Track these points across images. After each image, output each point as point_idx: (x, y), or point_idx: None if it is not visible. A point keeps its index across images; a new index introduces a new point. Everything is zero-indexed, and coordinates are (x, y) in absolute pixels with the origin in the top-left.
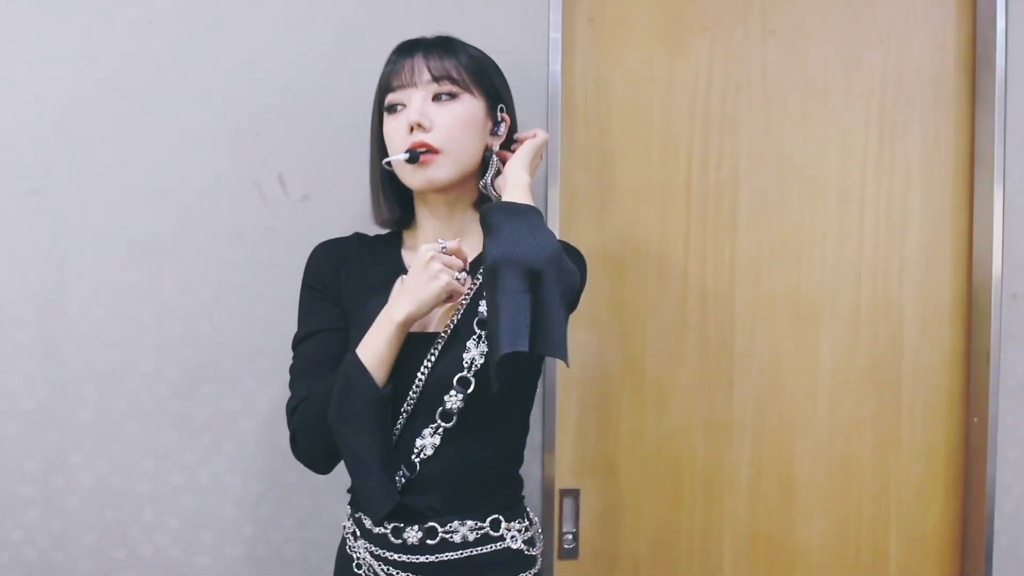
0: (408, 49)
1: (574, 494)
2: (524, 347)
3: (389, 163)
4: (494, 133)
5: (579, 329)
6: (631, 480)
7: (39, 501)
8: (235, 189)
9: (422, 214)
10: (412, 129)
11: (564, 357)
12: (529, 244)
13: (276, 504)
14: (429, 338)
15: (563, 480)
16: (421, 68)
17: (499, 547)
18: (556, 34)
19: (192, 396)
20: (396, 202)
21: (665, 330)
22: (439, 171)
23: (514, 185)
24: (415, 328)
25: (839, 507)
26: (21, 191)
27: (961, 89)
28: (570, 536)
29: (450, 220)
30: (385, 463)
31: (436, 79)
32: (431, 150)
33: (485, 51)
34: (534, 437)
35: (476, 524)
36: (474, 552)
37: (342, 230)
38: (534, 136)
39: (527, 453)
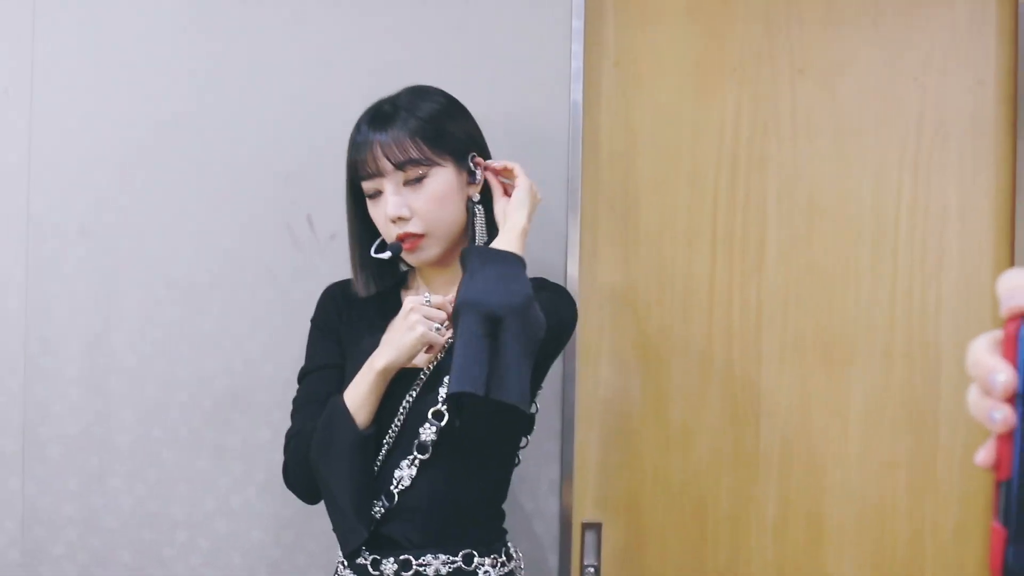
0: (364, 135)
1: (596, 528)
2: (471, 389)
3: (378, 255)
4: (471, 182)
5: (603, 365)
6: (654, 516)
7: (80, 520)
8: (267, 230)
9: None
10: (394, 220)
11: (520, 402)
12: (497, 291)
13: (301, 529)
14: (413, 374)
15: (584, 514)
16: (380, 158)
17: None
18: (578, 64)
19: (225, 426)
20: (380, 275)
21: (689, 368)
22: (428, 252)
23: (510, 229)
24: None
25: (871, 550)
26: (72, 231)
27: (1001, 125)
28: (592, 570)
29: (445, 269)
30: (357, 502)
31: (399, 167)
32: (415, 237)
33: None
34: (552, 470)
35: (449, 558)
36: None
37: None
38: (503, 169)
39: (544, 486)
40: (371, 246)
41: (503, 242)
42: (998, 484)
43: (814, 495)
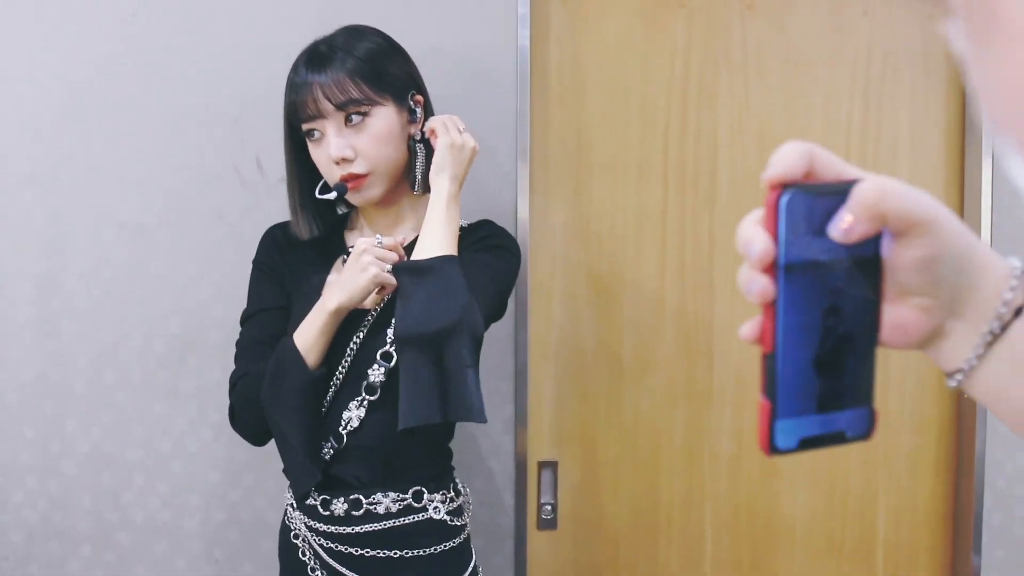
0: (303, 77)
1: (552, 466)
2: (421, 422)
3: (323, 196)
4: (412, 121)
5: (555, 304)
6: (609, 452)
7: (38, 466)
8: (216, 172)
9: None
10: (337, 162)
11: (477, 418)
12: (433, 314)
13: (259, 471)
14: (360, 315)
15: (540, 452)
16: (321, 99)
17: (421, 518)
18: (524, 10)
19: (179, 368)
20: (319, 218)
21: (642, 304)
22: (372, 191)
23: (434, 204)
24: None
25: (825, 481)
26: (19, 177)
27: (951, 59)
28: (548, 507)
29: (388, 209)
30: (309, 444)
31: (340, 107)
32: (359, 178)
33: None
34: (505, 410)
35: (399, 496)
36: (396, 523)
37: None
38: (432, 133)
39: (499, 426)
40: (312, 189)
41: (431, 235)
42: (764, 357)
43: None
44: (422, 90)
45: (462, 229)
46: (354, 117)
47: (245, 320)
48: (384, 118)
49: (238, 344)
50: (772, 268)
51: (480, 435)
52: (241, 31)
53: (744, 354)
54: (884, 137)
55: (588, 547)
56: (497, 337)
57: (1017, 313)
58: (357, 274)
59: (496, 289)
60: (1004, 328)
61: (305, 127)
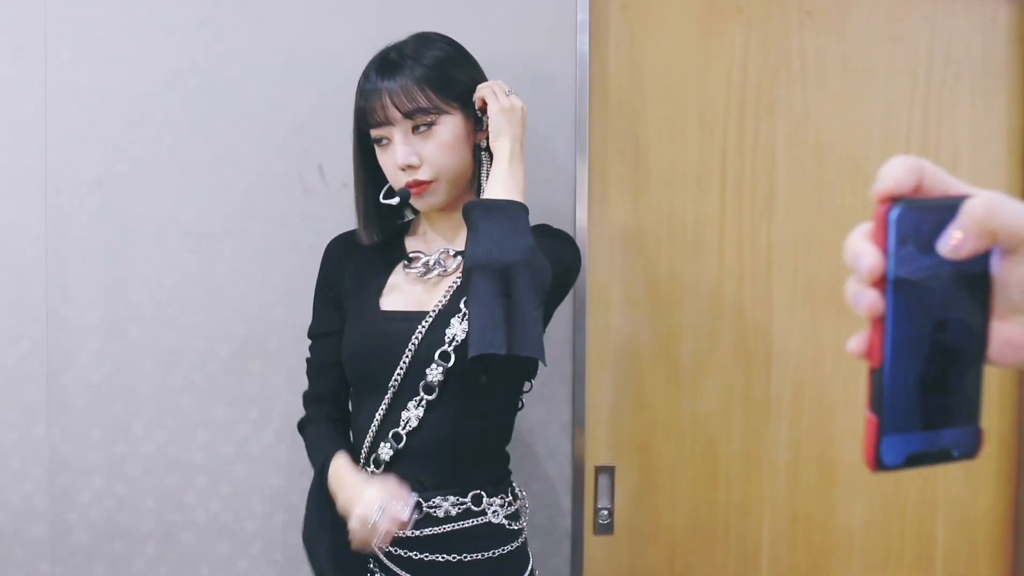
0: (373, 83)
1: (609, 471)
2: (493, 350)
3: (387, 200)
4: (479, 129)
5: (614, 309)
6: (667, 458)
7: (104, 467)
8: (279, 179)
9: (426, 213)
10: (403, 168)
11: (540, 356)
12: (502, 246)
13: None
14: (418, 316)
15: (598, 457)
16: (389, 106)
17: (480, 522)
18: (584, 16)
19: (242, 373)
20: (384, 222)
21: (700, 311)
22: (436, 198)
23: (497, 165)
24: (408, 307)
25: (883, 490)
26: (88, 185)
27: (1014, 63)
28: (605, 512)
29: (451, 215)
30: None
31: (408, 115)
32: (423, 184)
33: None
34: (563, 414)
35: (458, 499)
36: (456, 527)
37: None
38: (482, 103)
39: (557, 429)
40: (377, 194)
41: (497, 185)
42: (871, 372)
43: (825, 437)
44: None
45: None
46: (421, 126)
47: (312, 338)
48: (450, 126)
49: (308, 362)
50: (881, 282)
51: (537, 439)
52: (304, 39)
53: (802, 363)
54: (944, 145)
55: (645, 553)
56: (555, 341)
57: None
58: (361, 523)
59: (554, 262)
60: None
61: (373, 133)
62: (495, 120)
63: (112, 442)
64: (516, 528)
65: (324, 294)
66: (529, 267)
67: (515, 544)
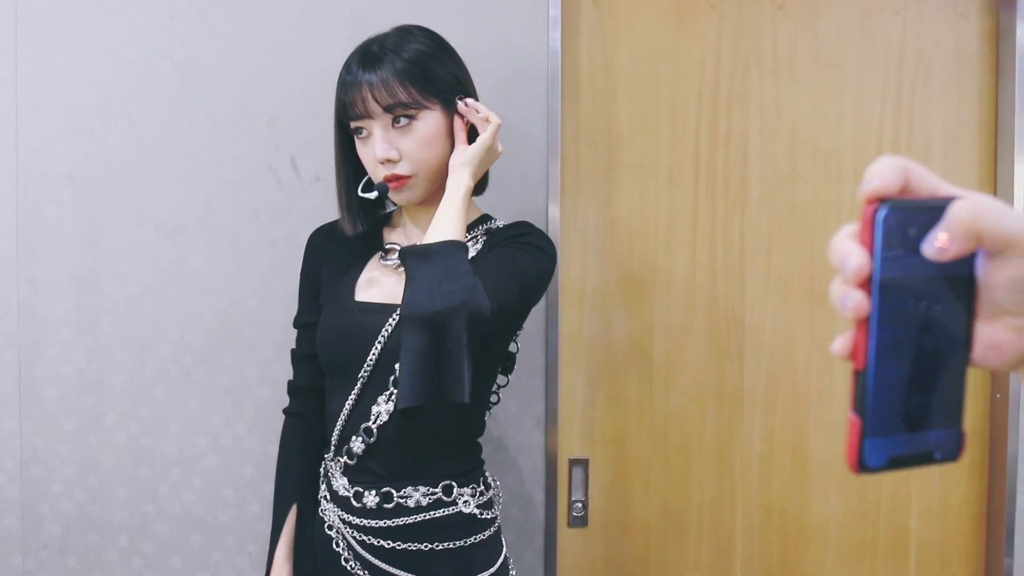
0: (354, 75)
1: (583, 464)
2: (417, 402)
3: (365, 194)
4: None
5: (586, 304)
6: (641, 451)
7: (77, 458)
8: (252, 173)
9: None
10: (382, 162)
11: (463, 399)
12: (434, 296)
13: None
14: (391, 308)
15: (571, 450)
16: (369, 99)
17: (451, 511)
18: (555, 11)
19: (215, 365)
20: (364, 213)
21: (673, 305)
22: (413, 192)
23: (450, 194)
24: (382, 299)
25: (856, 483)
26: (58, 178)
27: (984, 57)
28: (579, 504)
29: (430, 208)
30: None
31: (387, 109)
32: (401, 179)
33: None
34: (536, 408)
35: (429, 489)
36: (427, 516)
37: None
38: (486, 120)
39: (530, 423)
40: (358, 185)
41: (439, 224)
42: (855, 374)
43: (799, 429)
44: (470, 92)
45: (497, 228)
46: (401, 119)
47: (296, 328)
48: (430, 122)
49: (292, 351)
50: (867, 283)
51: (510, 432)
52: (276, 33)
53: (775, 356)
54: (916, 139)
55: (618, 545)
56: (528, 335)
57: None
58: None
59: (514, 280)
60: None
61: (353, 125)
62: (475, 151)
63: (84, 434)
64: (488, 517)
65: (305, 285)
66: (462, 309)
67: (488, 532)
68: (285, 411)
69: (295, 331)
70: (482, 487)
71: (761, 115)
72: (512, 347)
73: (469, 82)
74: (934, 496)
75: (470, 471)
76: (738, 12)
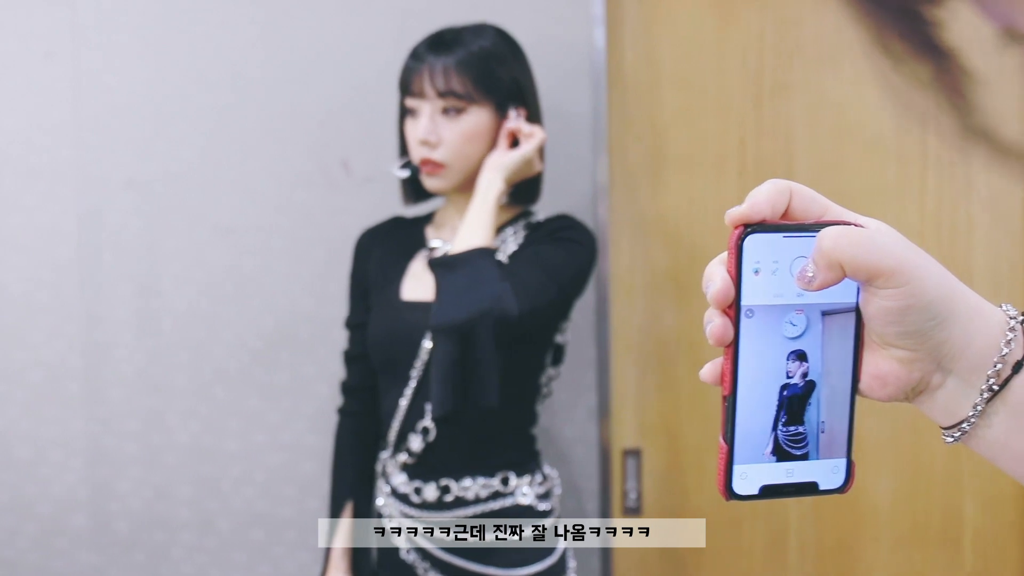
0: (420, 55)
1: (636, 454)
2: (452, 410)
3: (397, 172)
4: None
5: (636, 297)
6: (692, 440)
7: (142, 458)
8: (304, 175)
9: (448, 196)
10: (422, 143)
11: (493, 404)
12: (461, 304)
13: None
14: (431, 306)
15: (624, 441)
16: (426, 81)
17: (509, 503)
18: (599, 10)
19: (273, 363)
20: (417, 190)
21: None
22: (441, 183)
23: (482, 199)
24: (428, 296)
25: (909, 466)
26: (118, 183)
27: None
28: (634, 495)
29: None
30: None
31: (441, 95)
32: (435, 165)
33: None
34: (589, 398)
35: (487, 481)
36: (486, 508)
37: (403, 209)
38: (530, 135)
39: (583, 414)
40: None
41: (468, 228)
42: (723, 399)
43: None
44: (528, 100)
45: (537, 222)
46: (451, 109)
47: (347, 328)
48: (478, 118)
49: (344, 352)
50: (732, 309)
51: (564, 424)
52: (326, 35)
53: None
54: (958, 125)
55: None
56: (579, 327)
57: (1017, 368)
58: None
59: (549, 278)
60: (1004, 384)
61: (407, 102)
62: (513, 158)
63: (148, 433)
64: (546, 508)
65: (354, 286)
66: (488, 318)
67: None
68: (339, 410)
69: (349, 332)
70: (539, 477)
71: (805, 105)
72: (560, 338)
73: (531, 89)
74: (989, 480)
75: (526, 461)
76: (779, 2)
